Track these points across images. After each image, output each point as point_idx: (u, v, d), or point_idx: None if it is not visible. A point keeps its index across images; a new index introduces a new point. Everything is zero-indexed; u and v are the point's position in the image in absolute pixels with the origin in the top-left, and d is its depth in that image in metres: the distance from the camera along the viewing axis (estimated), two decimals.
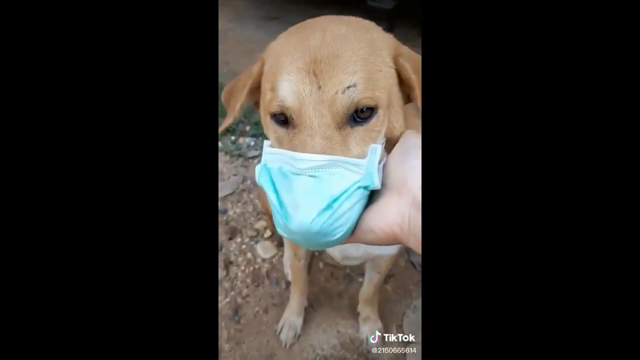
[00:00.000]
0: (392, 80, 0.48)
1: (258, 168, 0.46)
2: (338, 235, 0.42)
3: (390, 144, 0.48)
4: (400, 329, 1.18)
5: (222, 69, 2.00)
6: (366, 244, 0.45)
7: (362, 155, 0.45)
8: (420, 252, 0.40)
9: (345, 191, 0.41)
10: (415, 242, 0.39)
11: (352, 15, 0.53)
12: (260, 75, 0.52)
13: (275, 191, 0.43)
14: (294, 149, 0.43)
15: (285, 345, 1.11)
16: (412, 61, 0.49)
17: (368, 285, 1.10)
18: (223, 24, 2.57)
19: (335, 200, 0.40)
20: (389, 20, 2.54)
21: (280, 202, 0.42)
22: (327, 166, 0.42)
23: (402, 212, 0.40)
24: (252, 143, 1.75)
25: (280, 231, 0.43)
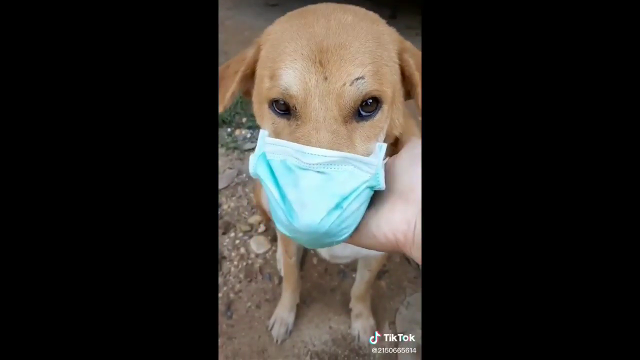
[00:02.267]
0: (397, 76, 0.47)
1: (253, 158, 0.43)
2: (344, 236, 0.40)
3: (388, 141, 0.46)
4: (392, 325, 1.18)
5: (220, 59, 1.97)
6: (365, 248, 0.43)
7: (366, 152, 0.43)
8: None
9: (355, 190, 0.39)
10: (418, 252, 0.37)
11: (356, 2, 0.50)
12: (255, 61, 0.49)
13: (277, 185, 0.40)
14: (296, 142, 0.40)
15: (277, 341, 1.12)
16: (416, 57, 0.47)
17: (360, 282, 1.09)
18: (221, 11, 2.53)
19: (344, 199, 0.38)
20: (392, 8, 2.48)
21: (284, 198, 0.38)
22: (338, 163, 0.39)
23: (408, 220, 0.38)
24: (249, 135, 1.73)
25: (280, 228, 0.40)
